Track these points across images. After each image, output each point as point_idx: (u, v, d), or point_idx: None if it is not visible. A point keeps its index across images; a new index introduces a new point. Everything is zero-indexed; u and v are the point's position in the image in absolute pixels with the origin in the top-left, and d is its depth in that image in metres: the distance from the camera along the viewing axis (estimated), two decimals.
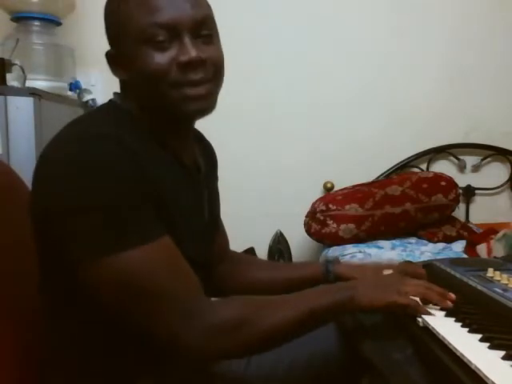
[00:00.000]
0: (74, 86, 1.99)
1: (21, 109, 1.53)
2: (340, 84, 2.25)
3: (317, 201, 1.98)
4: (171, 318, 0.72)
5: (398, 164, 2.26)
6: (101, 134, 0.74)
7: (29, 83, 1.69)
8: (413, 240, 1.96)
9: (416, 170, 2.28)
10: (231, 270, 1.06)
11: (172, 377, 0.83)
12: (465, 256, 1.73)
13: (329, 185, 2.23)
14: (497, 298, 0.82)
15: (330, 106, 2.26)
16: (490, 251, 1.64)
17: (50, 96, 1.71)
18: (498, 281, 0.90)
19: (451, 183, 2.05)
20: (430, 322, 0.74)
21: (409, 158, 2.27)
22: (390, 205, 1.91)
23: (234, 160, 2.15)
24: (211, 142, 1.08)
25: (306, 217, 1.98)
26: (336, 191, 2.08)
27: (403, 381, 0.68)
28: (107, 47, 0.88)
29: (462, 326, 0.72)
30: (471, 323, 0.72)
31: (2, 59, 1.60)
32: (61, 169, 0.72)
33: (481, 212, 2.31)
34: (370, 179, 2.17)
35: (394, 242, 1.92)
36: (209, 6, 0.84)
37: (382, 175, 2.25)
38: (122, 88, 0.88)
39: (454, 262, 1.08)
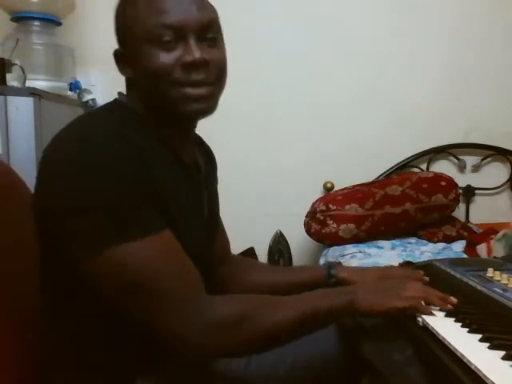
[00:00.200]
0: (74, 86, 2.00)
1: (21, 109, 1.53)
2: (340, 84, 2.25)
3: (317, 201, 1.98)
4: (171, 313, 0.72)
5: (397, 164, 2.26)
6: (103, 133, 0.75)
7: (29, 83, 1.69)
8: (413, 240, 1.96)
9: (416, 169, 2.28)
10: (231, 273, 1.06)
11: (172, 376, 0.83)
12: (465, 256, 1.73)
13: (329, 185, 2.23)
14: (497, 298, 0.82)
15: (330, 106, 2.26)
16: (490, 251, 1.64)
17: (50, 96, 1.71)
18: (498, 281, 0.90)
19: (451, 183, 2.05)
20: (429, 322, 0.74)
21: (409, 158, 2.27)
22: (389, 205, 1.91)
23: (234, 160, 2.16)
24: (211, 141, 1.08)
25: (306, 217, 1.98)
26: (336, 191, 2.08)
27: (403, 381, 0.68)
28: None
29: (462, 326, 0.73)
30: (471, 323, 0.72)
31: (2, 59, 1.60)
32: (61, 169, 0.73)
33: (481, 212, 2.31)
34: (370, 179, 2.17)
35: (394, 241, 1.92)
36: (215, 11, 0.86)
37: (382, 175, 2.25)
38: (128, 87, 0.88)
39: (454, 262, 1.08)
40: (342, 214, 1.88)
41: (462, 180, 2.25)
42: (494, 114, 2.30)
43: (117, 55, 0.86)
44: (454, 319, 0.75)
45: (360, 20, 2.24)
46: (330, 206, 1.90)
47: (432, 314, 0.77)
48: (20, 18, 1.90)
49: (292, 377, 0.96)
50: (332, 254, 1.86)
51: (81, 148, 0.73)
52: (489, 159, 2.32)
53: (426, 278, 0.94)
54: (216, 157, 1.08)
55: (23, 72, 1.67)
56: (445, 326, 0.72)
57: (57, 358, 0.83)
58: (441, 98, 2.29)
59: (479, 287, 0.88)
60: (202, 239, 0.91)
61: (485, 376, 0.56)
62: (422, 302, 0.79)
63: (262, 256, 2.26)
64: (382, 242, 1.91)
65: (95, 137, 0.74)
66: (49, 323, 0.84)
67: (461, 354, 0.62)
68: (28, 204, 0.79)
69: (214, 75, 0.83)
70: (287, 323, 0.77)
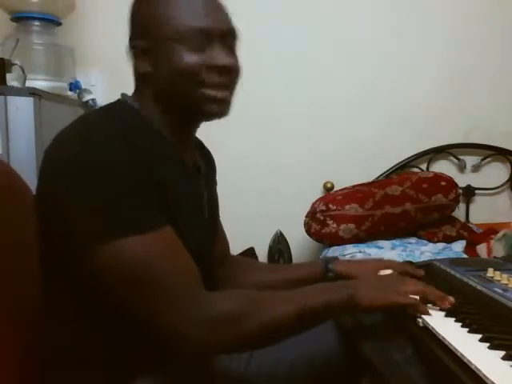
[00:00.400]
0: (74, 86, 1.99)
1: (21, 109, 1.53)
2: (340, 84, 2.25)
3: (317, 201, 1.98)
4: (170, 309, 0.72)
5: (398, 164, 2.26)
6: (104, 132, 0.76)
7: (29, 83, 1.69)
8: (413, 240, 1.96)
9: (416, 169, 2.28)
10: (231, 274, 1.06)
11: (172, 376, 0.83)
12: (465, 256, 1.73)
13: (329, 185, 2.23)
14: (497, 297, 0.82)
15: (330, 106, 2.26)
16: (490, 251, 1.64)
17: (50, 96, 1.71)
18: (498, 281, 0.90)
19: (451, 183, 2.05)
20: (429, 322, 0.74)
21: (409, 158, 2.27)
22: (390, 205, 1.91)
23: (234, 160, 2.16)
24: (211, 141, 1.08)
25: (306, 217, 1.98)
26: (336, 191, 2.08)
27: (403, 381, 0.68)
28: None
29: (462, 326, 0.72)
30: (471, 323, 0.72)
31: (2, 59, 1.60)
32: (63, 168, 0.74)
33: (481, 212, 2.31)
34: (370, 179, 2.17)
35: (394, 241, 1.92)
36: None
37: (382, 175, 2.25)
38: (138, 84, 0.89)
39: (454, 261, 1.08)
40: (342, 213, 1.88)
41: (462, 180, 2.25)
42: (493, 114, 2.30)
43: (136, 48, 0.86)
44: (454, 319, 0.75)
45: (360, 20, 2.24)
46: (330, 206, 1.90)
47: (429, 314, 0.77)
48: (20, 18, 1.90)
49: (292, 376, 0.96)
50: (332, 254, 1.86)
51: (82, 148, 0.74)
52: (489, 159, 2.32)
53: (421, 272, 0.96)
54: (216, 157, 1.09)
55: (23, 72, 1.67)
56: (445, 326, 0.72)
57: (57, 358, 0.83)
58: (441, 98, 2.29)
59: (479, 287, 0.88)
60: (203, 239, 0.91)
61: (485, 376, 0.56)
62: (417, 297, 0.79)
63: (262, 256, 2.26)
64: (381, 242, 1.91)
65: (96, 137, 0.75)
66: (49, 323, 0.84)
67: (461, 353, 0.62)
68: (28, 204, 0.80)
69: (233, 80, 0.87)
70: (287, 318, 0.76)
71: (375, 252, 1.80)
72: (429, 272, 1.02)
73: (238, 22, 0.90)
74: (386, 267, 1.02)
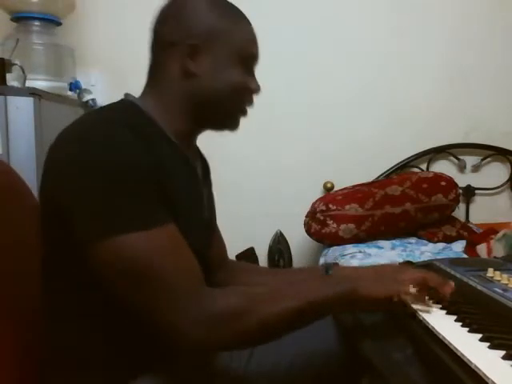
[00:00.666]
0: (74, 86, 2.00)
1: (21, 109, 1.53)
2: (340, 84, 2.25)
3: (317, 201, 1.98)
4: (171, 305, 0.72)
5: (398, 164, 2.26)
6: (115, 127, 0.76)
7: (29, 83, 1.69)
8: (413, 240, 1.96)
9: (416, 169, 2.28)
10: (230, 278, 1.06)
11: (172, 375, 0.83)
12: (465, 256, 1.73)
13: (329, 185, 2.23)
14: (497, 297, 0.82)
15: (330, 106, 2.26)
16: (490, 251, 1.64)
17: (50, 96, 1.71)
18: (498, 281, 0.90)
19: (451, 183, 2.05)
20: (430, 322, 0.74)
21: (409, 158, 2.27)
22: (390, 205, 1.91)
23: (234, 160, 2.16)
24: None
25: (306, 217, 1.98)
26: (336, 191, 2.08)
27: (403, 381, 0.68)
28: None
29: (462, 326, 0.73)
30: (471, 323, 0.72)
31: (2, 59, 1.60)
32: (66, 168, 0.74)
33: (481, 212, 2.31)
34: (370, 179, 2.17)
35: (394, 241, 1.92)
36: None
37: (382, 175, 2.25)
38: (157, 82, 0.88)
39: (454, 261, 1.08)
40: (342, 214, 1.88)
41: (462, 180, 2.25)
42: (493, 114, 2.30)
43: (189, 47, 0.85)
44: (454, 319, 0.76)
45: (360, 20, 2.24)
46: (330, 206, 1.90)
47: (427, 305, 0.77)
48: (20, 18, 1.91)
49: (292, 375, 0.96)
50: (332, 253, 1.86)
51: (84, 147, 0.74)
52: (489, 159, 2.32)
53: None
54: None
55: (23, 72, 1.67)
56: (445, 326, 0.72)
57: (57, 357, 0.83)
58: (441, 98, 2.29)
59: (479, 287, 0.88)
60: (202, 238, 0.92)
61: (485, 375, 0.56)
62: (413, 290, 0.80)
63: (262, 256, 2.26)
64: (381, 242, 1.91)
65: (98, 136, 0.75)
66: (49, 323, 0.84)
67: (461, 353, 0.62)
68: (28, 204, 0.80)
69: None
70: (287, 313, 0.76)
71: (375, 252, 1.80)
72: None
73: None
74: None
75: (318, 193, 2.25)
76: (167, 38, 0.86)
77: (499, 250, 1.58)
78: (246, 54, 0.89)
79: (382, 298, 0.79)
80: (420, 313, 0.78)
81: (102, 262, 0.72)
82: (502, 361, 0.61)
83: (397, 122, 2.28)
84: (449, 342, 0.66)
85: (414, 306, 0.79)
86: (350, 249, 1.84)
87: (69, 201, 0.73)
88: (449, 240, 1.95)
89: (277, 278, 1.08)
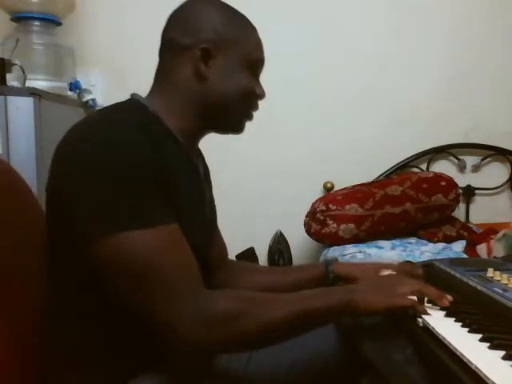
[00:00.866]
0: (74, 86, 2.00)
1: (21, 109, 1.53)
2: (340, 84, 2.25)
3: (317, 201, 1.98)
4: (169, 305, 0.72)
5: (398, 164, 2.26)
6: (124, 124, 0.77)
7: (29, 83, 1.69)
8: (413, 240, 1.96)
9: (416, 169, 2.28)
10: (230, 277, 1.06)
11: (172, 375, 0.83)
12: (465, 256, 1.73)
13: (329, 185, 2.23)
14: (497, 298, 0.82)
15: (330, 106, 2.26)
16: (490, 251, 1.64)
17: (50, 96, 1.71)
18: (498, 281, 0.90)
19: (451, 183, 2.05)
20: (430, 322, 0.74)
21: (409, 158, 2.27)
22: (390, 205, 1.91)
23: (234, 160, 2.16)
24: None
25: (306, 217, 1.98)
26: (336, 191, 2.08)
27: (403, 381, 0.68)
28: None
29: (462, 326, 0.72)
30: (471, 323, 0.72)
31: (2, 59, 1.60)
32: (73, 167, 0.74)
33: (481, 212, 2.31)
34: (370, 179, 2.17)
35: (394, 241, 1.92)
36: None
37: (382, 175, 2.25)
38: (166, 84, 0.89)
39: (454, 261, 1.08)
40: (342, 214, 1.88)
41: (462, 180, 2.25)
42: (494, 114, 2.30)
43: (201, 51, 0.86)
44: (454, 319, 0.75)
45: (360, 20, 2.24)
46: (330, 206, 1.90)
47: (428, 314, 0.77)
48: (20, 18, 1.90)
49: (292, 376, 0.96)
50: (332, 254, 1.86)
51: (92, 145, 0.74)
52: (489, 159, 2.32)
53: (420, 270, 0.96)
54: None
55: (23, 72, 1.67)
56: (445, 326, 0.72)
57: (57, 357, 0.83)
58: (441, 98, 2.29)
59: (479, 287, 0.88)
60: (204, 238, 0.92)
61: (485, 376, 0.56)
62: (415, 298, 0.80)
63: (262, 256, 2.26)
64: (382, 242, 1.91)
65: (103, 136, 0.75)
66: (49, 323, 0.84)
67: (461, 353, 0.62)
68: (29, 203, 0.80)
69: None
70: (285, 320, 0.77)
71: (375, 252, 1.80)
72: (429, 272, 1.02)
73: None
74: (386, 268, 1.02)
75: (318, 193, 2.25)
76: (179, 42, 0.88)
77: (499, 250, 1.58)
78: (254, 60, 0.92)
79: (380, 310, 0.80)
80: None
81: (102, 259, 0.72)
82: (502, 361, 0.60)
83: (397, 121, 2.28)
84: (449, 343, 0.66)
85: (420, 320, 0.79)
86: (350, 249, 1.84)
87: (76, 199, 0.73)
88: (449, 240, 1.95)
89: (277, 276, 1.08)
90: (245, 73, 0.90)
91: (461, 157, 2.31)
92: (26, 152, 1.53)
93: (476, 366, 0.58)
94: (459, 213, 2.24)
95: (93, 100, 2.00)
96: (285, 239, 2.24)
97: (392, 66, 2.27)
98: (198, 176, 0.94)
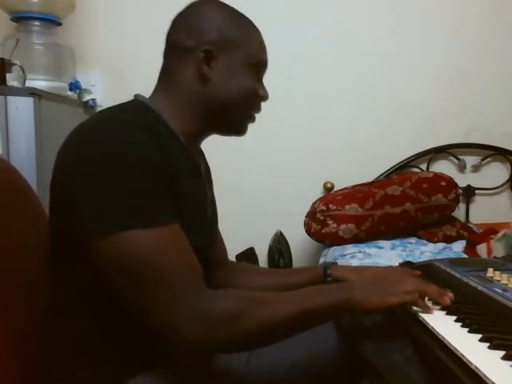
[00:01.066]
0: (74, 86, 2.00)
1: (21, 109, 1.53)
2: (340, 84, 2.26)
3: (317, 201, 1.98)
4: (169, 304, 0.72)
5: (398, 164, 2.26)
6: (128, 122, 0.77)
7: (29, 83, 1.69)
8: (413, 240, 1.96)
9: (416, 169, 2.28)
10: (230, 278, 1.07)
11: (172, 374, 0.83)
12: (465, 256, 1.73)
13: (329, 185, 2.23)
14: (497, 298, 0.82)
15: (330, 106, 2.26)
16: (489, 251, 1.64)
17: (50, 96, 1.71)
18: (498, 281, 0.90)
19: (451, 183, 2.05)
20: (430, 322, 0.74)
21: (409, 158, 2.27)
22: (389, 205, 1.91)
23: (234, 160, 2.16)
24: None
25: (306, 217, 1.98)
26: (336, 191, 2.08)
27: (403, 381, 0.68)
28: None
29: (462, 326, 0.72)
30: (471, 323, 0.72)
31: (2, 59, 1.60)
32: (76, 166, 0.75)
33: (481, 212, 2.31)
34: (370, 179, 2.17)
35: (394, 241, 1.92)
36: None
37: (382, 175, 2.25)
38: (170, 85, 0.90)
39: (454, 262, 1.08)
40: (342, 214, 1.88)
41: (462, 180, 2.25)
42: (493, 114, 2.30)
43: (204, 52, 0.87)
44: (454, 319, 0.75)
45: (360, 20, 2.25)
46: (330, 205, 1.90)
47: (429, 309, 0.77)
48: (20, 18, 1.90)
49: (292, 376, 0.96)
50: (332, 253, 1.86)
51: (96, 145, 0.75)
52: (489, 159, 2.32)
53: (418, 272, 0.96)
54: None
55: (23, 72, 1.67)
56: (445, 326, 0.72)
57: (57, 357, 0.83)
58: (441, 98, 2.29)
59: (479, 287, 0.88)
60: (205, 238, 0.92)
61: (485, 376, 0.56)
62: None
63: (262, 256, 2.26)
64: (382, 242, 1.91)
65: (107, 136, 0.75)
66: (50, 323, 0.84)
67: (461, 353, 0.62)
68: (29, 201, 0.80)
69: None
70: (285, 319, 0.77)
71: (375, 252, 1.80)
72: (429, 272, 1.02)
73: None
74: (385, 271, 1.02)
75: (318, 193, 2.25)
76: (183, 45, 0.88)
77: (499, 250, 1.58)
78: (257, 61, 0.92)
79: (379, 308, 0.80)
80: (420, 313, 0.78)
81: (103, 258, 0.72)
82: (502, 361, 0.61)
83: (397, 122, 2.28)
84: (448, 343, 0.66)
85: (415, 308, 0.79)
86: (350, 249, 1.84)
87: (78, 198, 0.73)
88: (449, 240, 1.95)
89: (277, 278, 1.09)
90: (248, 74, 0.90)
91: (461, 157, 2.31)
92: (26, 152, 1.53)
93: (476, 366, 0.58)
94: (459, 213, 2.24)
95: (93, 100, 2.00)
96: (285, 239, 2.24)
97: (392, 65, 2.27)
98: (200, 176, 0.95)
